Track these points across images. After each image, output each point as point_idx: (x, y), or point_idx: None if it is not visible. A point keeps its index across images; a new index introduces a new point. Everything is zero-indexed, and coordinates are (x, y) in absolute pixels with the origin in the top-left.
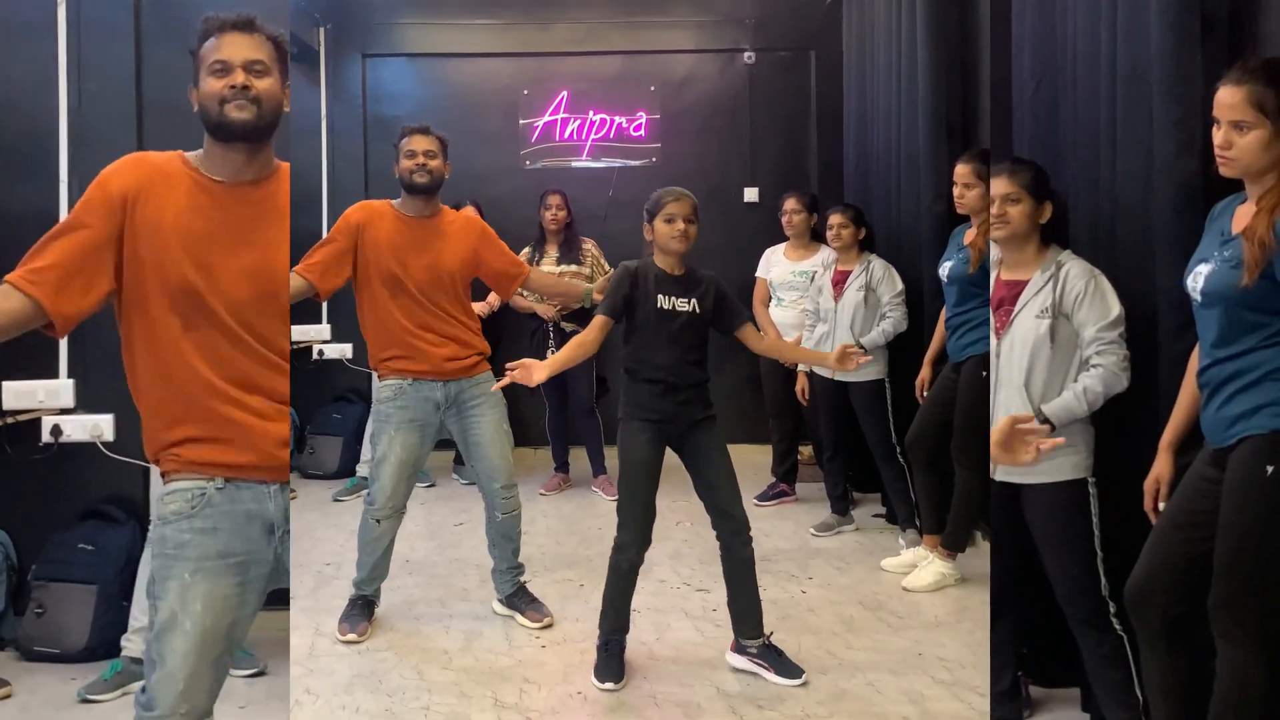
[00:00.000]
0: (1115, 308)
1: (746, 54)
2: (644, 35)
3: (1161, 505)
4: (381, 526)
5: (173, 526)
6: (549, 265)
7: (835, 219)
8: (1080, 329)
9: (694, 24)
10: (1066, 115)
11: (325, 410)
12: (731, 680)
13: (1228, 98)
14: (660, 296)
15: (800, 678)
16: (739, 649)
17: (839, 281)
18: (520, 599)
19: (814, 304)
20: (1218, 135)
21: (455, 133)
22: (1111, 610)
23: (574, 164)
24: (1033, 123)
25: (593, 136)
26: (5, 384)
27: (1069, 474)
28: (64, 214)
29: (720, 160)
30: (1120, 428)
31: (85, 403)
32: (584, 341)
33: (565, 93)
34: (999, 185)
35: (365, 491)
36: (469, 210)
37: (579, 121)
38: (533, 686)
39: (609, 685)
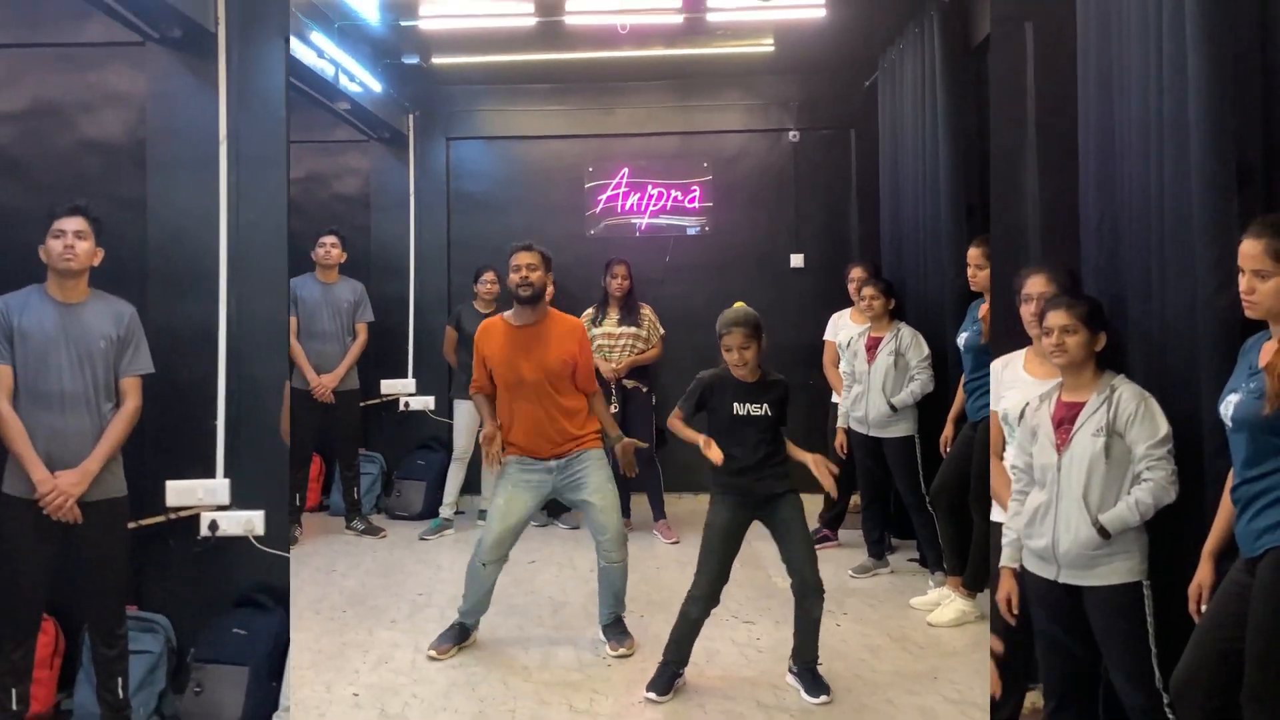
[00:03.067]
0: (1164, 427)
1: (791, 133)
2: (698, 117)
3: (1204, 608)
4: (486, 570)
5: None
6: (610, 326)
7: (868, 291)
8: (1132, 446)
9: (743, 106)
10: (1126, 251)
11: (410, 457)
12: (770, 695)
13: (1249, 249)
14: (735, 404)
15: (820, 697)
16: (791, 667)
17: (871, 347)
18: (611, 629)
19: (849, 366)
20: (1242, 281)
21: (527, 205)
22: (1165, 701)
23: (634, 231)
24: (1097, 254)
25: (651, 207)
26: (169, 483)
27: (1125, 577)
28: (223, 331)
29: (768, 229)
30: (1172, 536)
31: (239, 500)
32: (681, 423)
33: (626, 169)
34: (1058, 318)
35: (447, 530)
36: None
37: (639, 194)
38: (600, 696)
39: (652, 696)
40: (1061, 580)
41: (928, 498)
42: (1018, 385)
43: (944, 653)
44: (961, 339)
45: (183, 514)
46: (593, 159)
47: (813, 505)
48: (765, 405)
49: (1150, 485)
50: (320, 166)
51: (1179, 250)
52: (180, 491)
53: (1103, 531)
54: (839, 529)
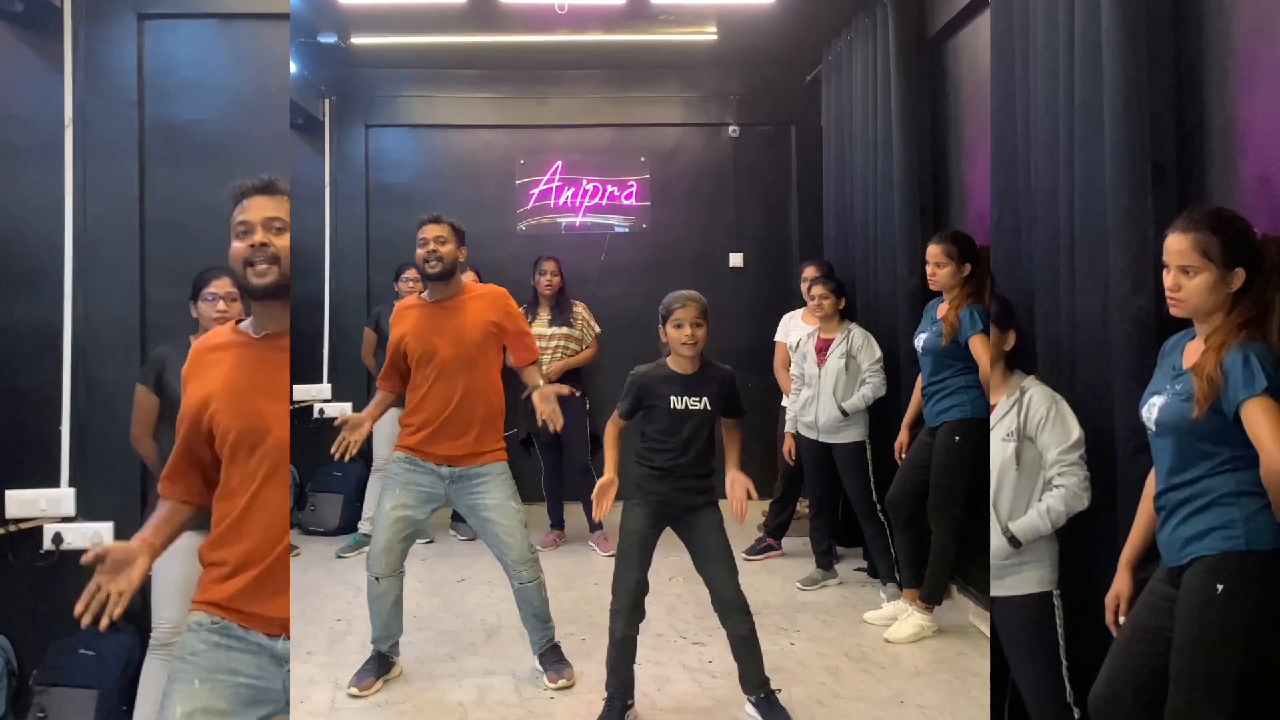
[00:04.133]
0: (1075, 431)
1: (731, 128)
2: (634, 109)
3: (1121, 619)
4: (381, 585)
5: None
6: (540, 327)
7: (818, 290)
8: (1044, 451)
9: (681, 99)
10: (1032, 248)
11: (326, 468)
12: None
13: (1176, 244)
14: (673, 398)
15: None
16: (748, 697)
17: (821, 348)
18: (547, 658)
19: (799, 369)
20: (1168, 278)
21: (453, 200)
22: (1076, 716)
23: (566, 228)
24: (1001, 252)
25: (585, 203)
26: (9, 493)
27: (1034, 587)
28: (69, 331)
29: (706, 227)
30: (1084, 544)
31: (85, 511)
32: (614, 438)
33: (560, 162)
34: None
35: (366, 546)
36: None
37: (572, 189)
38: None
39: None
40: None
41: (880, 506)
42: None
43: (907, 673)
44: (920, 340)
45: (24, 526)
46: (524, 151)
47: (753, 512)
48: (705, 399)
49: (1062, 492)
50: None
51: (1089, 250)
52: (21, 502)
53: (1013, 540)
54: (782, 538)
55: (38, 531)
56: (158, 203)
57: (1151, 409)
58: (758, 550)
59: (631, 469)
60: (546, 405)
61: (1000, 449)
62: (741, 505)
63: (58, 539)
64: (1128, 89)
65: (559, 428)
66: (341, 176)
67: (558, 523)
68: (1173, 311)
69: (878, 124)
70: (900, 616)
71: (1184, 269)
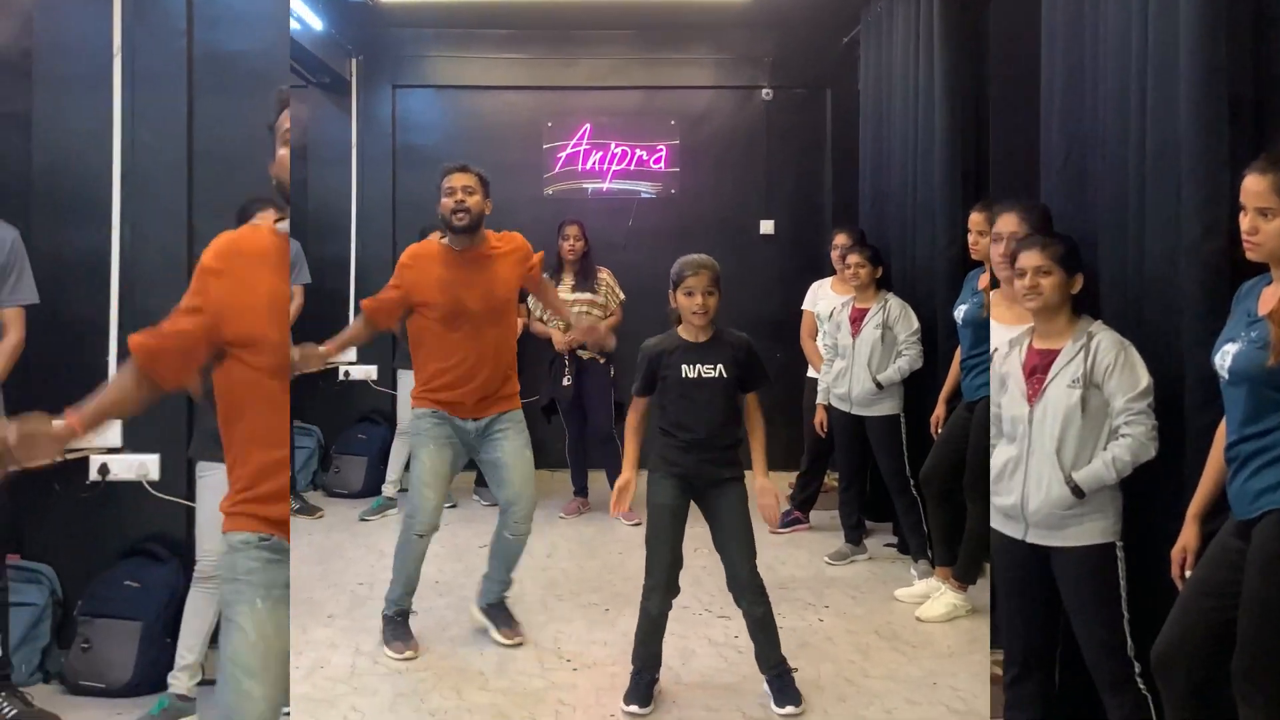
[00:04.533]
0: (1144, 379)
1: (764, 91)
2: (665, 71)
3: (1188, 573)
4: (423, 543)
5: None
6: (564, 293)
7: (853, 258)
8: (1110, 399)
9: (713, 61)
10: (1096, 190)
11: (350, 430)
12: (755, 706)
13: (1254, 185)
14: (685, 366)
15: (786, 708)
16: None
17: (856, 319)
18: (499, 612)
19: (832, 340)
20: (1244, 221)
21: (480, 162)
22: (1136, 670)
23: (593, 193)
24: (1063, 195)
25: (613, 167)
26: (55, 422)
27: (1098, 538)
28: (116, 260)
29: (737, 193)
30: (1148, 495)
31: (131, 442)
32: (635, 427)
33: (588, 125)
34: (1030, 258)
35: (390, 510)
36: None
37: (600, 153)
38: (568, 709)
39: (634, 709)
40: (1029, 540)
41: (914, 481)
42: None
43: (939, 653)
44: (959, 312)
45: (70, 456)
46: (552, 113)
47: (782, 483)
48: (719, 366)
49: (1129, 441)
50: None
51: (1160, 191)
52: None
53: (1076, 490)
54: (810, 511)
55: (84, 462)
56: (205, 133)
57: (1225, 356)
58: (785, 523)
59: (655, 441)
60: (595, 337)
61: (1064, 395)
62: (773, 514)
63: (104, 470)
64: (1205, 18)
65: (610, 347)
66: (368, 137)
67: (581, 490)
68: (1249, 256)
69: (919, 86)
70: (932, 595)
71: (1262, 211)
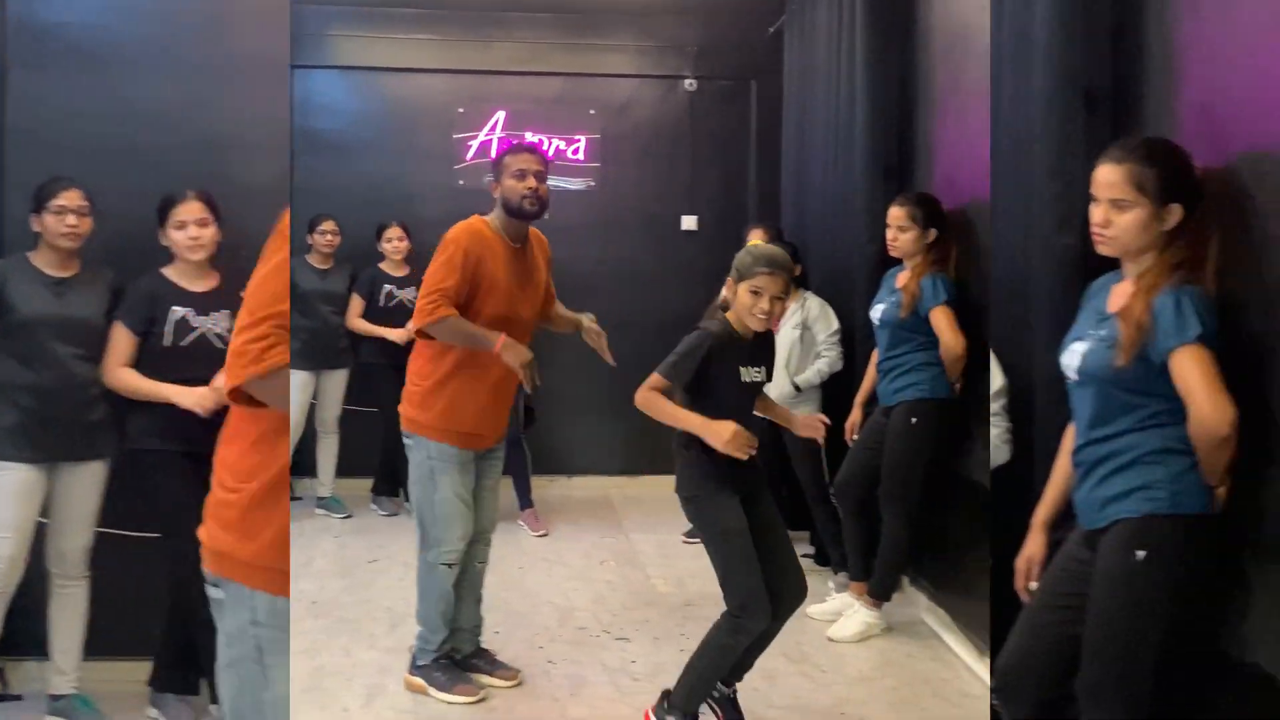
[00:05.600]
0: (998, 379)
1: (688, 81)
2: (585, 58)
3: (1033, 585)
4: (454, 572)
5: None
6: None
7: None
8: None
9: (636, 49)
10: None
11: None
12: None
13: (1107, 175)
14: (743, 369)
15: None
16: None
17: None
18: (484, 659)
19: None
20: (1096, 213)
21: (387, 149)
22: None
23: None
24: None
25: None
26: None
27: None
28: None
29: (659, 187)
30: (1001, 500)
31: None
32: (660, 398)
33: (503, 112)
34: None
35: (338, 513)
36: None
37: (516, 142)
38: None
39: None
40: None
41: (832, 490)
42: None
43: (850, 678)
44: (876, 311)
45: None
46: (464, 99)
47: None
48: (764, 369)
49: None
50: None
51: (1012, 182)
52: None
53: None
54: None
55: None
56: (19, 110)
57: (1073, 356)
58: (695, 535)
59: (694, 455)
60: (602, 336)
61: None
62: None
63: None
64: (1060, 7)
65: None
66: None
67: None
68: (1100, 250)
69: (840, 77)
70: (845, 612)
71: (1115, 203)
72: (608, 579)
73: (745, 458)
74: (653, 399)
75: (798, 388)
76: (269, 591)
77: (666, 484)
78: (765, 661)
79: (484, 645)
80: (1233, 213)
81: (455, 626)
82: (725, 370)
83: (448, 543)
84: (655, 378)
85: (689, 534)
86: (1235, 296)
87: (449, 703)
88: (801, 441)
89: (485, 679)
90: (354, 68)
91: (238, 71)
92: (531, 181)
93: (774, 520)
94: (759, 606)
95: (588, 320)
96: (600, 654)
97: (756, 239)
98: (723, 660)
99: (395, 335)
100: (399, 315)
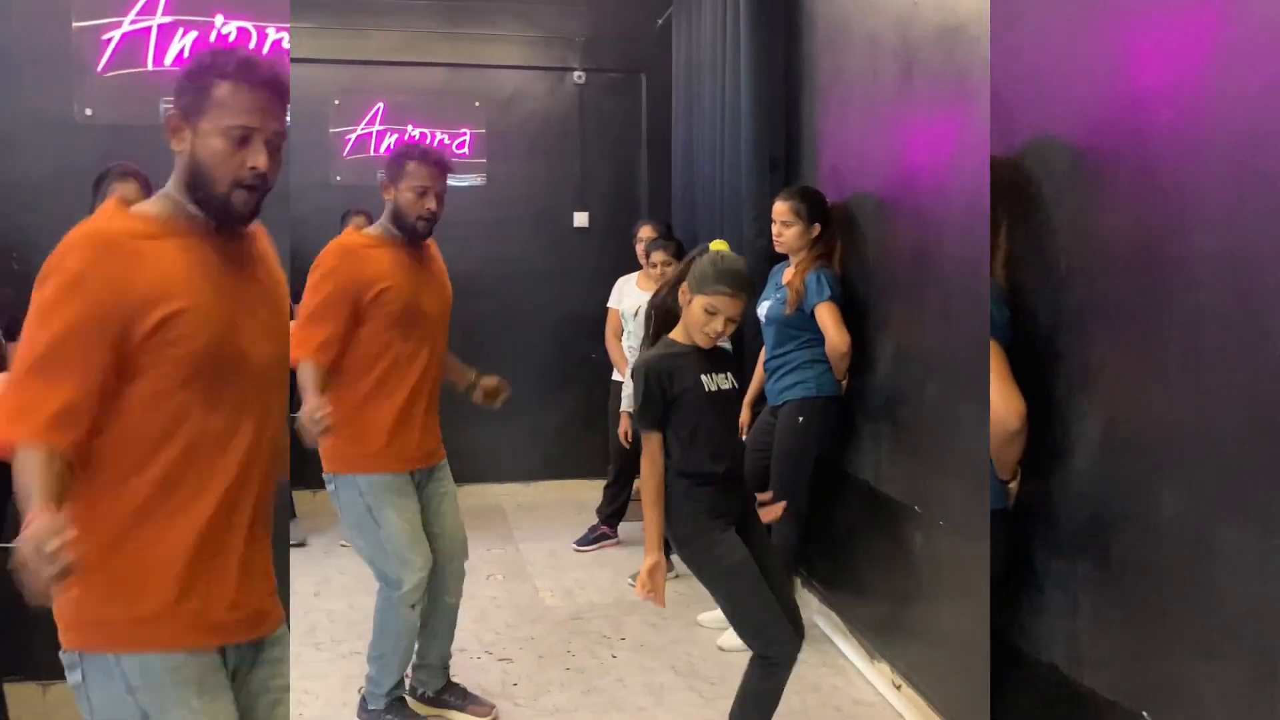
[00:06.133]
0: None
1: (576, 74)
2: (468, 48)
3: (744, 437)
4: (416, 613)
5: None
6: None
7: (658, 256)
8: None
9: (521, 39)
10: (699, 213)
11: None
12: None
13: (779, 208)
14: (704, 378)
15: None
16: None
17: None
18: (455, 694)
19: (635, 341)
20: (774, 229)
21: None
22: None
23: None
24: (682, 213)
25: None
26: None
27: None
28: None
29: (549, 183)
30: None
31: None
32: (658, 479)
33: (381, 104)
34: (659, 255)
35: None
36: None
37: (396, 136)
38: None
39: None
40: None
41: None
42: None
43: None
44: (762, 309)
45: None
46: (340, 90)
47: (593, 494)
48: (729, 374)
49: None
50: None
51: (733, 211)
52: None
53: None
54: (618, 525)
55: None
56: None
57: (763, 308)
58: (591, 540)
59: (681, 492)
60: (501, 395)
61: None
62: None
63: None
64: (756, 106)
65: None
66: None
67: None
68: (777, 249)
69: (725, 68)
70: None
71: (784, 223)
72: (492, 594)
73: (651, 599)
74: (649, 484)
75: None
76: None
77: (561, 489)
78: (652, 676)
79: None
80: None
81: (422, 663)
82: (685, 385)
83: (407, 580)
84: (645, 438)
85: (581, 541)
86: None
87: None
88: None
89: (458, 716)
90: None
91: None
92: (432, 204)
93: (765, 551)
94: (781, 635)
95: (485, 383)
96: (480, 677)
97: (645, 234)
98: (765, 707)
99: None
100: None
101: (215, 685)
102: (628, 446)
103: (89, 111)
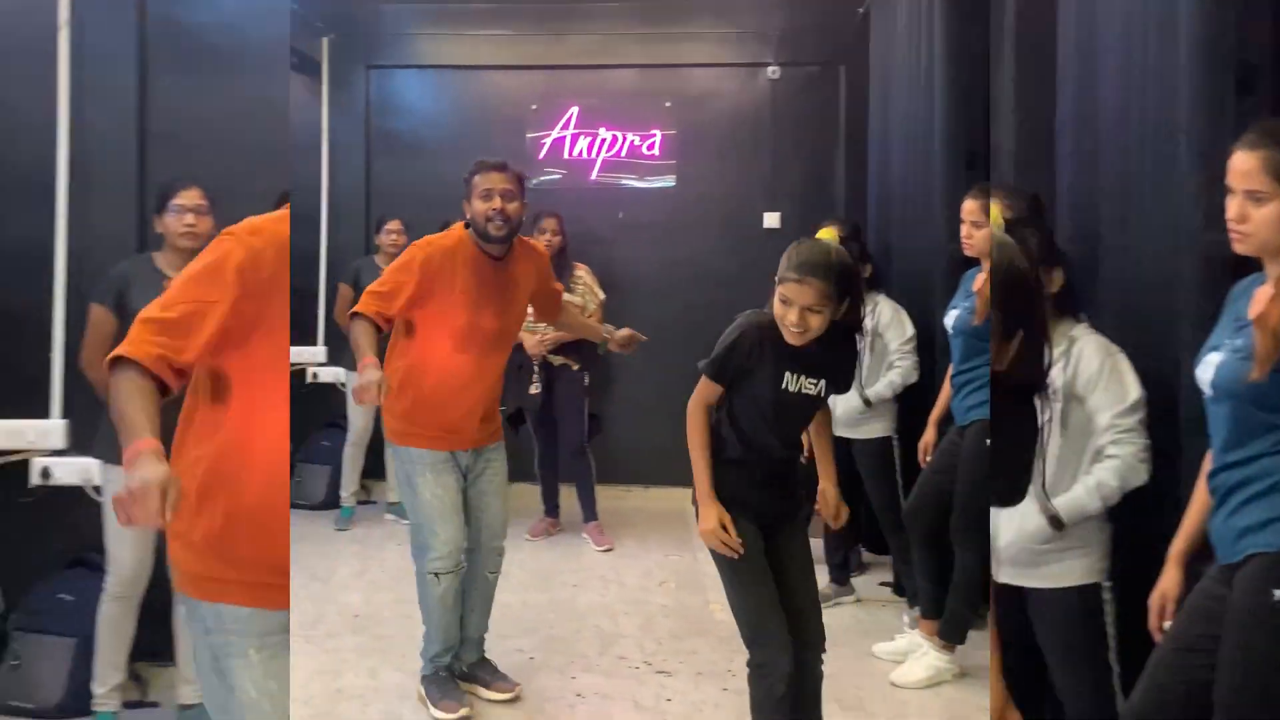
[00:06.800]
0: (1134, 391)
1: (770, 69)
2: (660, 48)
3: (1167, 624)
4: (443, 583)
5: None
6: None
7: None
8: (1094, 414)
9: (714, 36)
10: (1104, 177)
11: (315, 437)
12: None
13: (1241, 164)
14: (788, 375)
15: None
16: None
17: None
18: (485, 669)
19: None
20: (1231, 206)
21: (460, 149)
22: None
23: (581, 183)
24: (1071, 179)
25: (603, 155)
26: None
27: (1081, 578)
28: (61, 253)
29: (739, 182)
30: (1140, 526)
31: (79, 444)
32: (703, 426)
33: (575, 108)
34: None
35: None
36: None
37: (589, 139)
38: None
39: None
40: (1002, 579)
41: (903, 516)
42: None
43: None
44: (950, 318)
45: (11, 459)
46: (537, 95)
47: None
48: (822, 382)
49: (1115, 464)
50: None
51: (1159, 175)
52: (8, 432)
53: (1055, 521)
54: None
55: (24, 466)
56: (159, 113)
57: (1206, 368)
58: None
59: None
60: (631, 343)
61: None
62: (836, 520)
63: (46, 473)
64: (950, 97)
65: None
66: (340, 122)
67: (552, 509)
68: (1235, 248)
69: (920, 59)
70: (913, 654)
71: (1251, 194)
72: (663, 603)
73: (721, 549)
74: (692, 423)
75: (868, 401)
76: (208, 600)
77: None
78: None
79: (487, 656)
80: None
81: (463, 636)
82: (763, 370)
83: (434, 549)
84: (702, 383)
85: None
86: None
87: (434, 718)
88: (872, 462)
89: (483, 691)
90: (427, 66)
91: None
92: (497, 202)
93: (796, 557)
94: (766, 641)
95: (622, 334)
96: (635, 689)
97: (826, 235)
98: (763, 707)
99: None
100: None
101: (276, 642)
102: (805, 461)
103: (534, 182)
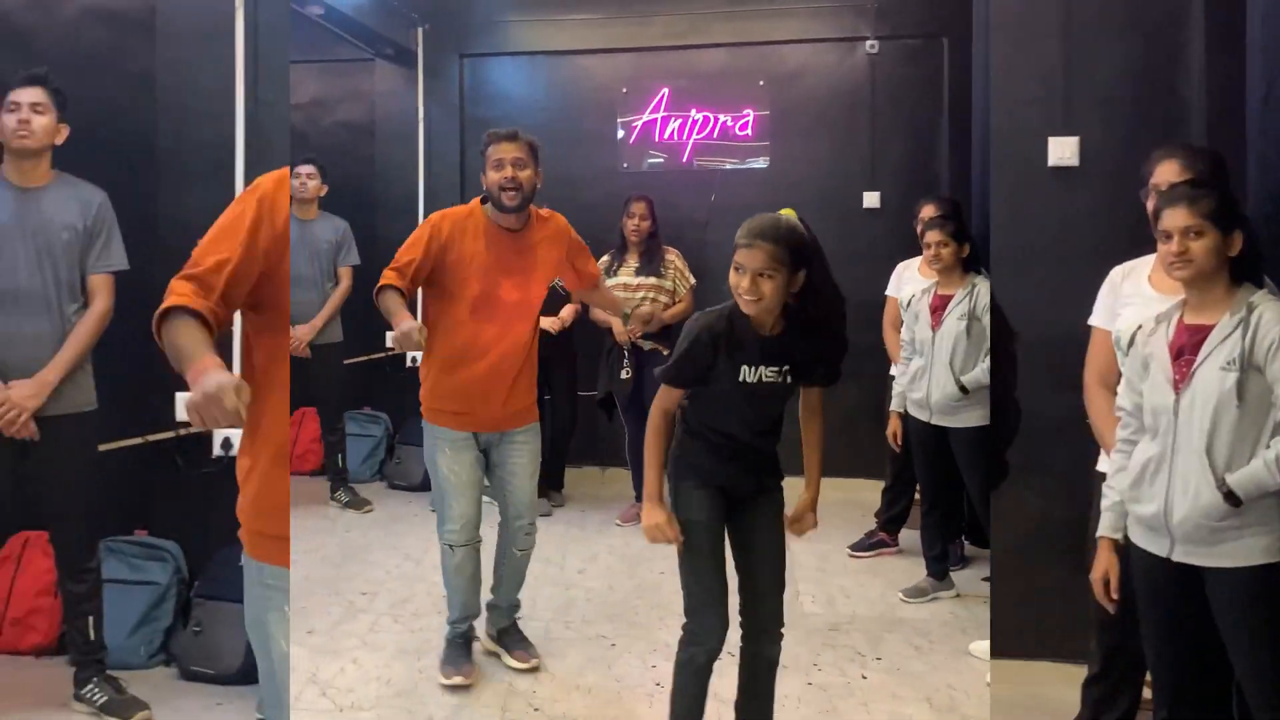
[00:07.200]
0: None
1: (869, 43)
2: (752, 25)
3: None
4: (463, 555)
5: None
6: (627, 276)
7: (933, 236)
8: (1274, 385)
9: (808, 10)
10: None
11: (415, 419)
12: None
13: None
14: (745, 368)
15: None
16: None
17: (938, 308)
18: (512, 636)
19: (909, 333)
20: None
21: (553, 134)
22: None
23: (673, 165)
24: (1261, 137)
25: (695, 137)
26: (179, 395)
27: (1261, 557)
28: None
29: (837, 162)
30: None
31: None
32: (661, 431)
33: (665, 90)
34: (1177, 217)
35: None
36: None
37: (680, 121)
38: None
39: None
40: (1176, 559)
41: None
42: (1137, 301)
43: None
44: None
45: (193, 430)
46: (627, 78)
47: (874, 495)
48: (786, 369)
49: None
50: (325, 89)
51: None
52: None
53: (1231, 497)
54: (899, 532)
55: (207, 437)
56: (473, 174)
57: None
58: (867, 546)
59: (679, 441)
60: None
61: (1218, 380)
62: (800, 532)
63: (227, 444)
64: None
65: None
66: (435, 110)
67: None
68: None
69: None
70: None
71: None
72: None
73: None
74: (651, 429)
75: (964, 389)
76: (255, 558)
77: (843, 488)
78: (901, 707)
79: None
80: None
81: (492, 604)
82: (719, 367)
83: (449, 522)
84: (662, 390)
85: (856, 546)
86: None
87: (441, 683)
88: (970, 451)
89: (505, 657)
90: (519, 53)
91: None
92: (509, 171)
93: (762, 536)
94: (703, 612)
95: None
96: (717, 681)
97: (926, 214)
98: (682, 687)
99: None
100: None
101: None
102: (897, 450)
103: (625, 165)
